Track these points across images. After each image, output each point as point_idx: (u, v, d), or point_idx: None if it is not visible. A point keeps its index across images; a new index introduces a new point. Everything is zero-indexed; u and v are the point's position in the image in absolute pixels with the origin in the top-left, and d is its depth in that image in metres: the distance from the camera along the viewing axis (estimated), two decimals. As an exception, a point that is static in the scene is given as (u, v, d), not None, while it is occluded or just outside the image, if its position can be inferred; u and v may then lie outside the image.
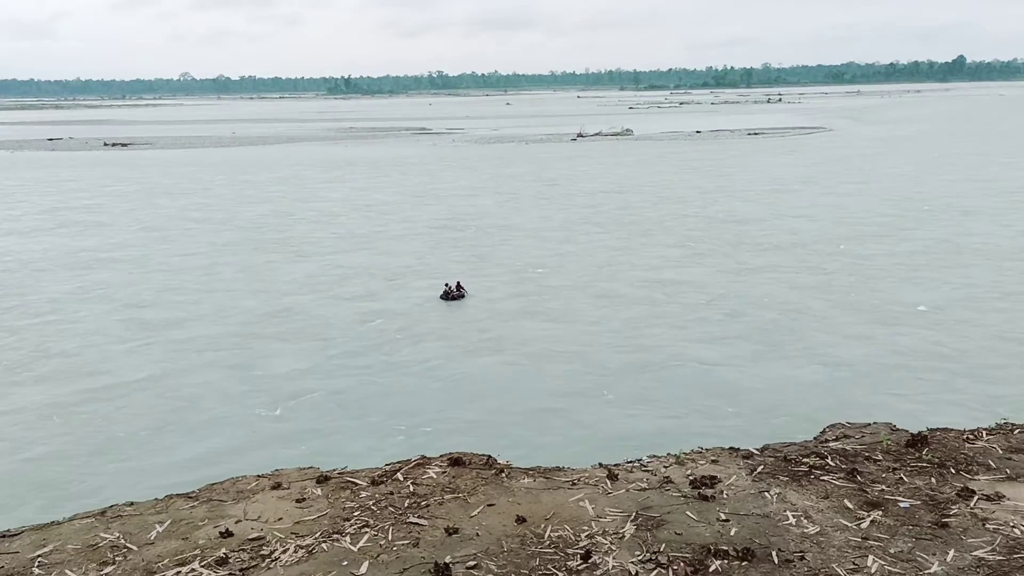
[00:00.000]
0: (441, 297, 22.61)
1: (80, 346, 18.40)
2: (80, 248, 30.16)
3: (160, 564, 6.62)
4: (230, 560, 6.63)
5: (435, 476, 8.11)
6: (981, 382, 15.19)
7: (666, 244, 28.72)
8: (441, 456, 8.69)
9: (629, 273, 24.42)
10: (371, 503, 7.56)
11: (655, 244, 28.72)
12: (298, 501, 7.67)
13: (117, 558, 6.74)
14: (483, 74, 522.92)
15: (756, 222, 32.55)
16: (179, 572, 6.49)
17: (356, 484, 8.02)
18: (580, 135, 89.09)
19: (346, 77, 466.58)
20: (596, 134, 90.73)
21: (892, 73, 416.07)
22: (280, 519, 7.33)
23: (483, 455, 8.66)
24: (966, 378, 15.42)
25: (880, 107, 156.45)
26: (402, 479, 8.08)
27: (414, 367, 16.66)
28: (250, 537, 7.00)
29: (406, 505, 7.49)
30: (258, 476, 8.37)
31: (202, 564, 6.58)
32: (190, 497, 7.96)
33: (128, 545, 6.94)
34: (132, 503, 7.97)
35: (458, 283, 23.02)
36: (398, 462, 8.61)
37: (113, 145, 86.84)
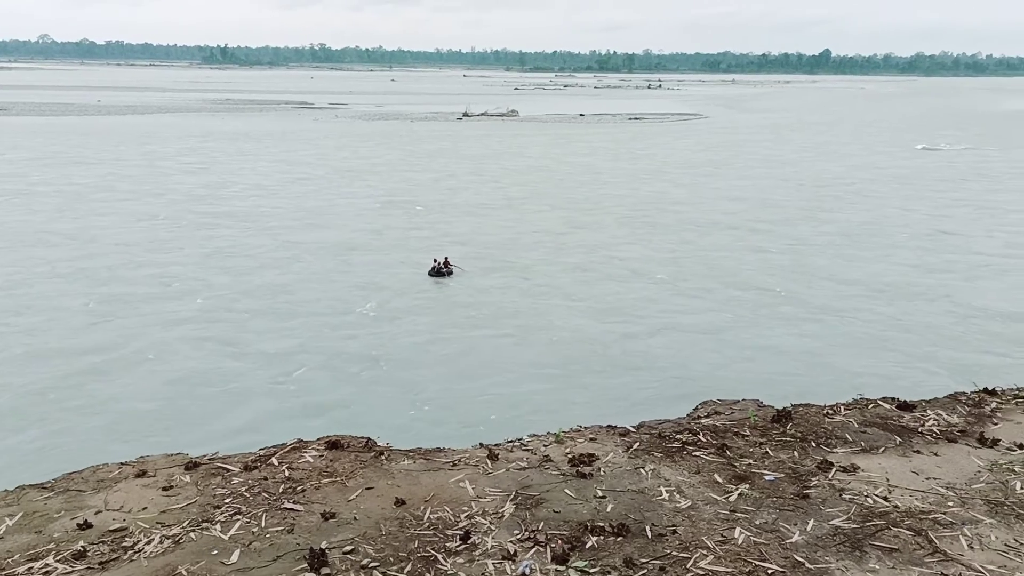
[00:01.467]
0: (429, 273, 22.47)
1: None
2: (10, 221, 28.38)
3: (10, 560, 6.18)
4: (88, 553, 6.26)
5: (312, 460, 7.91)
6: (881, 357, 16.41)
7: (613, 223, 29.94)
8: (318, 439, 8.48)
9: (595, 252, 25.32)
10: (244, 489, 7.29)
11: (603, 224, 29.82)
12: (164, 489, 7.32)
13: (-40, 556, 6.25)
14: (368, 49, 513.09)
15: (689, 204, 34.19)
16: (31, 568, 6.07)
17: (228, 470, 7.72)
18: (466, 114, 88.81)
19: (223, 46, 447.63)
20: (482, 114, 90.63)
21: (764, 63, 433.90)
22: (145, 508, 6.97)
23: (362, 437, 8.51)
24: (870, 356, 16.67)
25: (754, 96, 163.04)
26: (277, 464, 7.84)
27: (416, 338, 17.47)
28: (111, 528, 6.63)
29: (281, 490, 7.27)
30: (121, 464, 7.93)
31: (57, 559, 6.19)
32: (44, 487, 7.46)
33: (-27, 541, 6.45)
34: (-22, 496, 7.41)
35: (446, 259, 22.97)
36: (273, 446, 8.34)
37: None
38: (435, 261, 22.87)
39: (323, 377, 15.56)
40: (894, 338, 18.10)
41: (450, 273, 22.50)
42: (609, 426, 8.90)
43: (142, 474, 7.64)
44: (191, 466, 7.80)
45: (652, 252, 25.78)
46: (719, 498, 7.09)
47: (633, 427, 8.88)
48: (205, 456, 8.13)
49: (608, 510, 6.87)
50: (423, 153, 53.23)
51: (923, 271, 24.00)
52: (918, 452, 8.01)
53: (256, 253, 25.14)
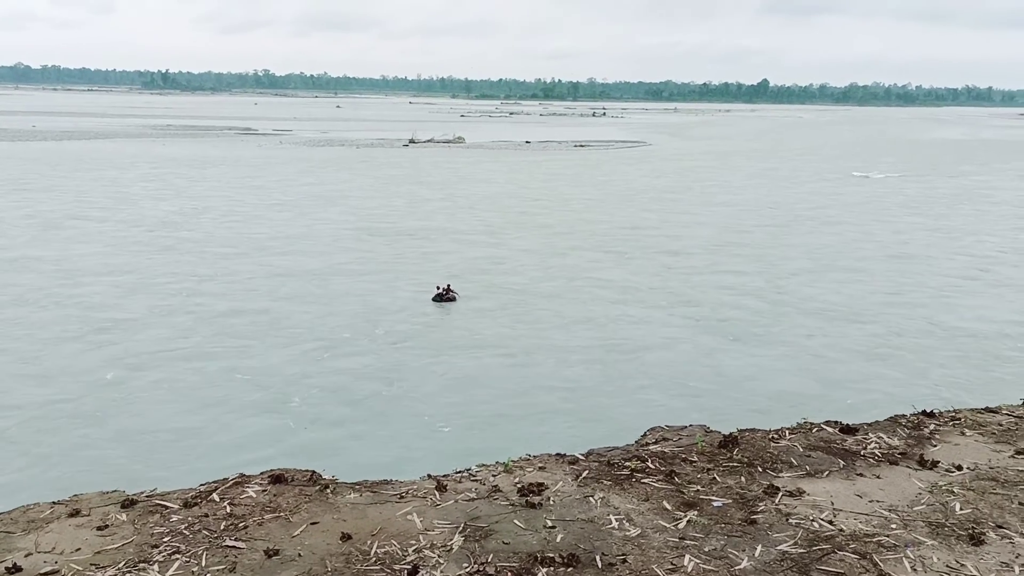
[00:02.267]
0: (433, 299, 22.39)
1: None
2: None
3: (-69, 609, 5.87)
4: (17, 599, 5.97)
5: (254, 495, 7.70)
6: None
7: (592, 248, 30.39)
8: (262, 473, 8.27)
9: (582, 276, 25.65)
10: (183, 527, 7.06)
11: (582, 248, 30.25)
12: (99, 529, 7.04)
13: None
14: (312, 75, 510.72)
15: (660, 229, 34.90)
16: (-46, 617, 5.77)
17: (166, 507, 7.47)
18: (412, 141, 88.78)
19: (164, 71, 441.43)
20: (428, 140, 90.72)
21: (705, 92, 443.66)
22: (78, 549, 6.69)
23: (307, 471, 8.32)
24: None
25: (696, 124, 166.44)
26: (218, 500, 7.61)
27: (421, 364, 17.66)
28: (42, 572, 6.35)
29: (222, 528, 7.06)
30: (52, 503, 7.61)
31: (-17, 606, 5.89)
32: (-30, 531, 7.12)
33: None
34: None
35: (448, 285, 22.94)
36: (214, 482, 8.10)
37: None
38: (438, 287, 23.02)
39: (333, 404, 15.49)
40: (888, 356, 18.81)
41: (453, 299, 22.66)
42: (558, 454, 8.87)
43: (75, 513, 7.35)
44: (128, 504, 7.53)
45: (637, 276, 26.33)
46: (668, 525, 7.10)
47: (582, 455, 8.86)
48: (143, 493, 7.86)
49: (558, 540, 6.82)
50: (387, 179, 53.42)
51: (895, 292, 24.92)
52: (861, 475, 8.15)
53: (247, 279, 24.91)
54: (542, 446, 9.84)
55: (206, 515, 7.29)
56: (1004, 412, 10.07)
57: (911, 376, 17.45)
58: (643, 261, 28.71)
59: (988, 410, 10.18)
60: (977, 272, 27.91)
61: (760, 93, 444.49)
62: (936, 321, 21.59)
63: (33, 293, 22.60)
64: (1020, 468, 8.28)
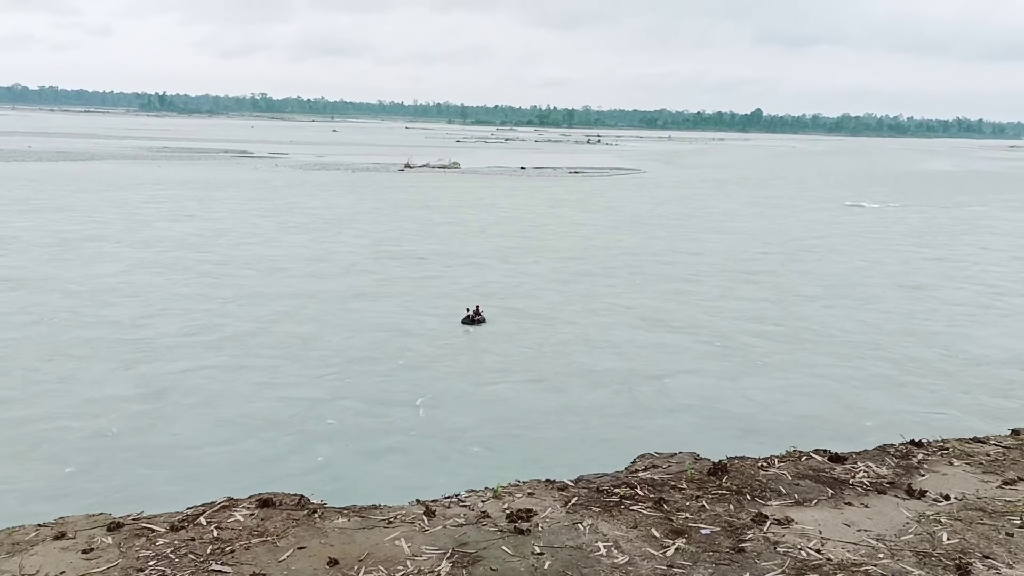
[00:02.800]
0: (463, 321, 22.74)
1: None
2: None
3: (-88, 632, 5.83)
4: (-1, 623, 5.92)
5: (242, 519, 7.66)
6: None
7: (605, 272, 30.70)
8: (249, 497, 8.23)
9: (602, 300, 25.93)
10: (169, 551, 7.01)
11: (595, 273, 30.61)
12: (85, 552, 6.99)
13: None
14: (309, 99, 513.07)
15: (670, 255, 35.31)
16: (-65, 640, 5.72)
17: (153, 530, 7.43)
18: (408, 165, 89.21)
19: (161, 94, 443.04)
20: (424, 165, 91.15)
21: (699, 121, 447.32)
22: (62, 573, 6.64)
23: (295, 495, 8.28)
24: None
25: (690, 152, 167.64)
26: (205, 523, 7.57)
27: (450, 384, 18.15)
28: (25, 595, 6.30)
29: (208, 552, 7.01)
30: (38, 525, 7.55)
31: (-35, 629, 5.85)
32: (-46, 553, 7.06)
33: None
34: None
35: (477, 307, 23.30)
36: (201, 505, 8.06)
37: None
38: (468, 310, 23.44)
39: (371, 422, 15.58)
40: (910, 384, 19.08)
41: (483, 321, 23.00)
42: (547, 480, 8.85)
43: (61, 536, 7.29)
44: (114, 527, 7.48)
45: (654, 302, 26.88)
46: (656, 553, 7.08)
47: (571, 481, 8.85)
48: (129, 516, 7.81)
49: (546, 567, 6.79)
50: (394, 203, 54.16)
51: (910, 320, 25.32)
52: (849, 504, 8.15)
53: (272, 301, 25.36)
54: (583, 467, 9.94)
55: (193, 539, 7.24)
56: (992, 442, 10.09)
57: (933, 404, 17.74)
58: (658, 286, 29.21)
59: (976, 440, 10.20)
60: (987, 301, 28.52)
61: (753, 122, 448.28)
62: (954, 350, 22.02)
63: (62, 313, 22.79)
64: (1007, 498, 8.29)
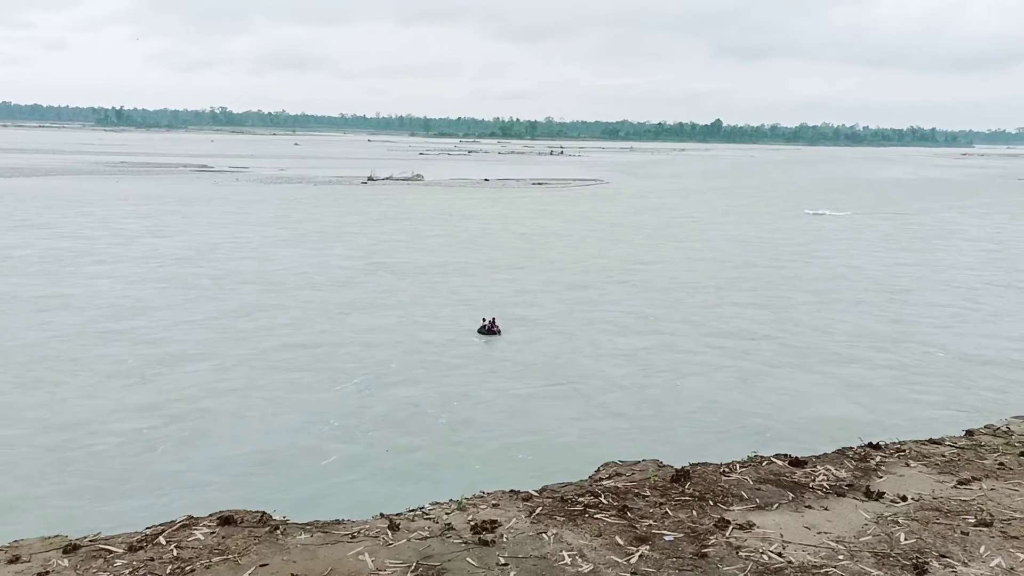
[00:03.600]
0: (479, 331, 22.73)
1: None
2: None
3: None
4: (-50, 650, 5.78)
5: (202, 537, 7.56)
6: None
7: (603, 283, 30.98)
8: (210, 515, 8.12)
9: (602, 308, 26.34)
10: (127, 572, 6.90)
11: (594, 284, 30.90)
12: None
13: None
14: (270, 113, 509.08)
15: (659, 264, 35.80)
16: None
17: (110, 552, 7.30)
18: (371, 178, 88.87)
19: (118, 108, 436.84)
20: (387, 178, 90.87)
21: (661, 132, 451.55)
22: (17, 597, 6.50)
23: (257, 512, 8.20)
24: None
25: (652, 162, 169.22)
26: (164, 543, 7.46)
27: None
28: (-23, 621, 6.16)
29: (168, 572, 6.91)
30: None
31: (-86, 658, 5.70)
32: (-97, 580, 6.89)
33: None
34: None
35: (493, 319, 23.20)
36: (160, 524, 7.94)
37: None
38: (483, 320, 23.56)
39: (399, 434, 15.74)
40: (919, 381, 19.66)
41: (498, 332, 23.14)
42: (512, 491, 8.86)
43: (15, 559, 7.14)
44: (70, 549, 7.34)
45: (656, 309, 27.42)
46: (620, 560, 7.12)
47: (536, 491, 8.86)
48: (86, 538, 7.67)
49: (510, 577, 6.79)
50: (375, 216, 54.22)
51: (902, 322, 26.28)
52: (809, 507, 8.27)
53: (280, 313, 25.37)
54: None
55: (151, 559, 7.13)
56: (947, 443, 10.31)
57: (948, 400, 18.34)
58: (657, 294, 29.78)
59: (932, 441, 10.42)
60: (970, 303, 29.58)
61: (714, 133, 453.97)
62: (951, 349, 22.78)
63: (75, 330, 22.65)
64: (962, 498, 8.47)
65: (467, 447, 15.76)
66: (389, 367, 20.32)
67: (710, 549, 7.30)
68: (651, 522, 7.90)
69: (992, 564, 7.04)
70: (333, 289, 29.46)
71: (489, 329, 23.32)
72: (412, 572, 6.89)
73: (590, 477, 9.67)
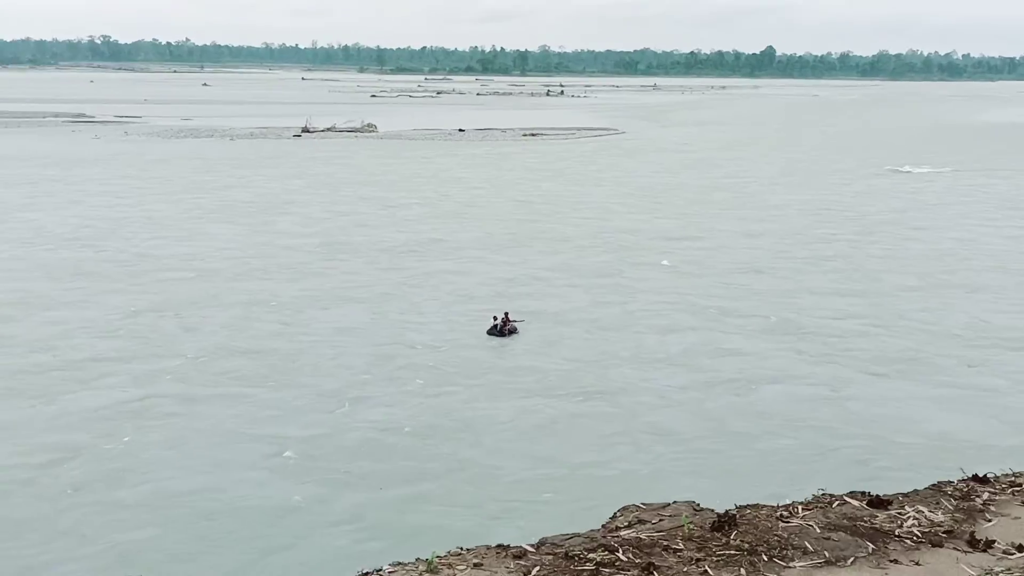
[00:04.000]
0: (488, 332, 22.68)
1: None
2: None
3: None
4: None
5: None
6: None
7: (633, 264, 31.19)
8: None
9: (641, 298, 26.76)
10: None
11: (622, 265, 31.15)
12: None
13: None
14: (169, 43, 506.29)
15: (707, 239, 35.98)
16: None
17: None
18: (306, 130, 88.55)
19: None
20: (328, 129, 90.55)
21: (694, 64, 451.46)
22: None
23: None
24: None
25: (683, 105, 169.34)
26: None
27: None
28: None
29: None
30: None
31: None
32: None
33: None
34: None
35: (506, 314, 23.22)
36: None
37: None
38: (495, 318, 23.51)
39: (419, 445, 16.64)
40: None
41: (515, 331, 23.13)
42: (500, 546, 8.87)
43: None
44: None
45: (714, 300, 27.53)
46: (645, 637, 7.13)
47: (531, 546, 8.87)
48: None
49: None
50: (325, 179, 54.12)
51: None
52: (896, 562, 8.30)
53: (217, 309, 25.47)
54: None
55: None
56: (1077, 475, 10.36)
57: None
58: (712, 280, 29.65)
59: (1057, 473, 10.47)
60: None
61: (764, 65, 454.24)
62: None
63: None
64: (1097, 547, 8.51)
65: (461, 483, 15.82)
66: (361, 380, 20.25)
67: (764, 620, 7.32)
68: (685, 585, 7.92)
69: None
70: (282, 277, 29.20)
71: (501, 329, 23.35)
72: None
73: (603, 526, 9.69)
